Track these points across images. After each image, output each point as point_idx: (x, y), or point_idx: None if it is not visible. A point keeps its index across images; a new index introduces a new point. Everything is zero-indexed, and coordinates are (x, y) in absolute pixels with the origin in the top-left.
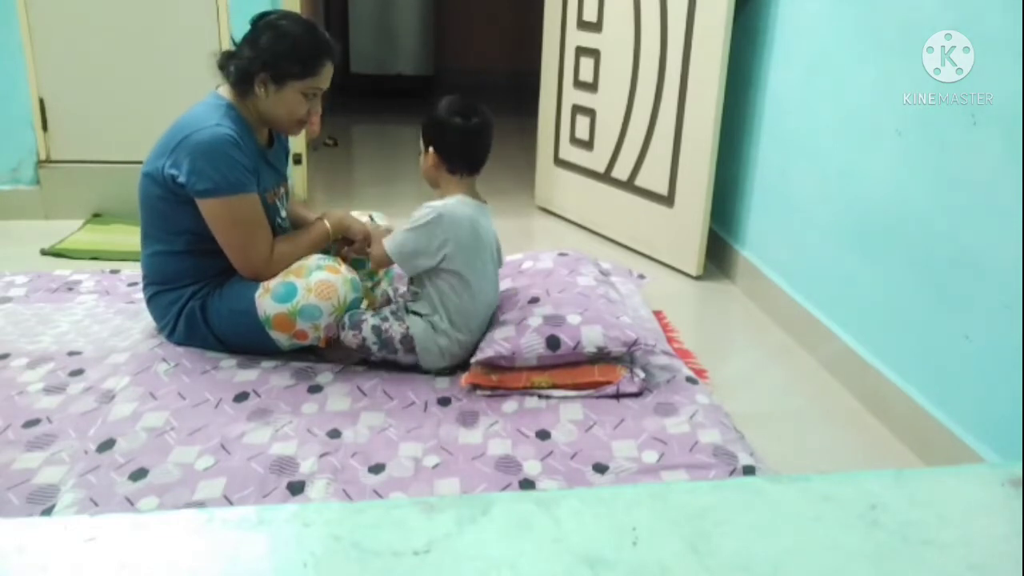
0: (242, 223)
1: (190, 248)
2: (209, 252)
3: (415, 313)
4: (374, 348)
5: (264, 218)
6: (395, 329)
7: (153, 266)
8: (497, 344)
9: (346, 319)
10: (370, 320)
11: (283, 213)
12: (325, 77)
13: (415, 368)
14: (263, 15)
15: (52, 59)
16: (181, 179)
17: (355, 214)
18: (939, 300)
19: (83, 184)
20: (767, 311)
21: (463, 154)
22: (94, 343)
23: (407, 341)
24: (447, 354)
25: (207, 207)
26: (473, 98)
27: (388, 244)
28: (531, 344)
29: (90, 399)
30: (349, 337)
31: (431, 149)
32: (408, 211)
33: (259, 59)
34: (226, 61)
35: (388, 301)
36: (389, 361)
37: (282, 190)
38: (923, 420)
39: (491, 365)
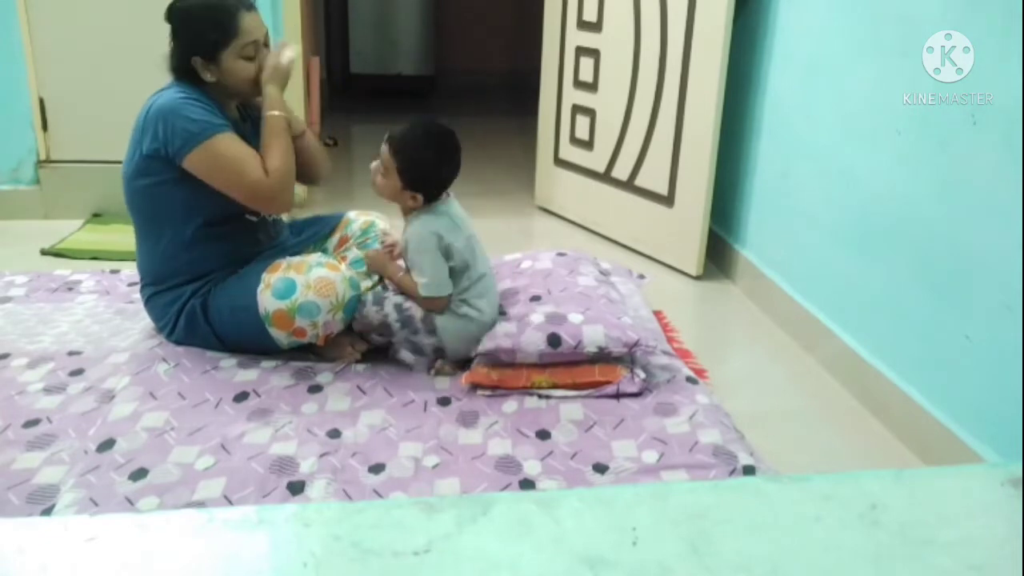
0: (229, 160)
1: (184, 239)
2: (203, 238)
3: None
4: (396, 327)
5: (248, 147)
6: (417, 308)
7: (147, 267)
8: (499, 338)
9: (369, 296)
10: (392, 298)
11: None
12: (250, 29)
13: (422, 360)
14: (169, 7)
15: (52, 59)
16: (160, 148)
17: (354, 214)
18: (939, 300)
19: (83, 184)
20: (767, 311)
21: (442, 187)
22: (94, 343)
23: (428, 321)
24: (472, 338)
25: (193, 160)
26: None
27: (429, 292)
28: (532, 340)
29: (90, 399)
30: (372, 313)
31: (411, 191)
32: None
33: (185, 47)
34: (170, 64)
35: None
36: (413, 343)
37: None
38: (923, 420)
39: (492, 361)
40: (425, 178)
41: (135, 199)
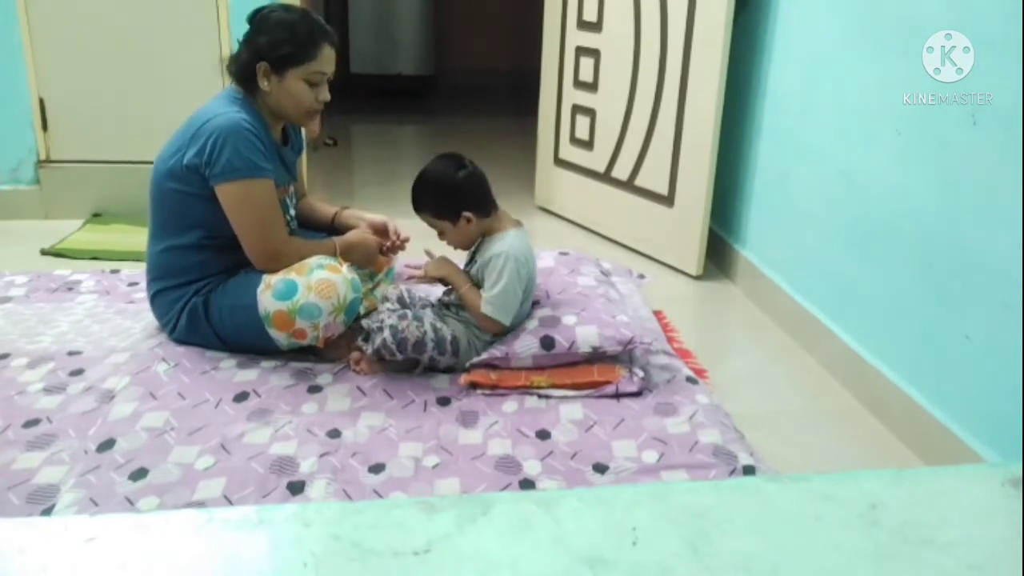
0: (260, 207)
1: (200, 243)
2: (219, 248)
3: (459, 319)
4: (430, 345)
5: (279, 206)
6: (447, 329)
7: (161, 262)
8: (492, 349)
9: (409, 313)
10: (428, 316)
11: (292, 212)
12: (325, 61)
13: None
14: (257, 11)
15: (52, 59)
16: (201, 165)
17: (368, 216)
18: (939, 300)
19: (83, 184)
20: (767, 311)
21: (485, 194)
22: (94, 343)
23: (455, 343)
24: (480, 351)
25: (226, 191)
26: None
27: (492, 312)
28: (525, 345)
29: (90, 399)
30: (412, 328)
31: (463, 213)
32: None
33: (257, 51)
34: (230, 62)
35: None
36: (433, 361)
37: (291, 188)
38: (923, 420)
39: (488, 365)
40: (451, 193)
41: (159, 197)
